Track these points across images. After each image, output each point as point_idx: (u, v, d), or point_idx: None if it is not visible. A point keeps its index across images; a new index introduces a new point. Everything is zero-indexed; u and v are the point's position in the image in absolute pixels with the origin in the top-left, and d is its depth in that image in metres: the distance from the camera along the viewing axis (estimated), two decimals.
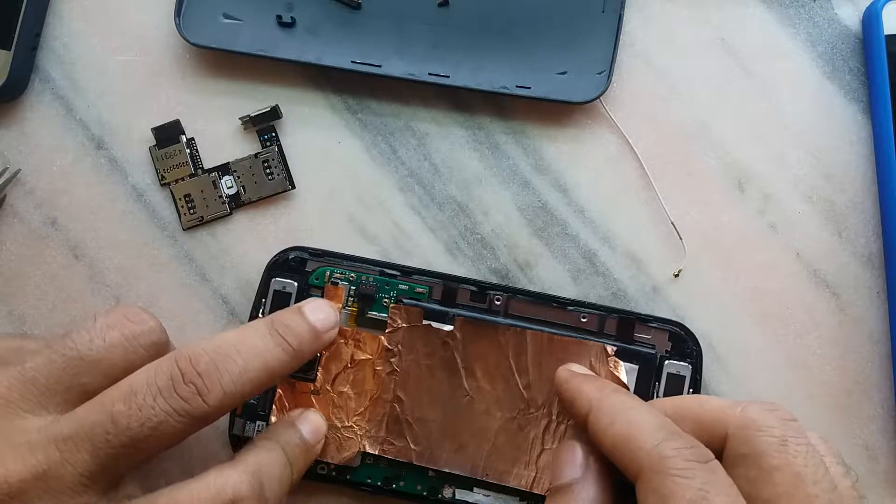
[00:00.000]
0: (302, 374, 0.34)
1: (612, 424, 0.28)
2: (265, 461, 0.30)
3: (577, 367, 0.33)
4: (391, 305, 0.34)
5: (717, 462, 0.27)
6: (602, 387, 0.31)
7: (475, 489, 0.34)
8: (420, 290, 0.35)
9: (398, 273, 0.35)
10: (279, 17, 0.37)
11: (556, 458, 0.31)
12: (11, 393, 0.28)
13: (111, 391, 0.28)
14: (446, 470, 0.34)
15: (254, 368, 0.29)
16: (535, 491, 0.33)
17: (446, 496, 0.34)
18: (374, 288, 0.35)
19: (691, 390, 0.34)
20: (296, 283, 0.35)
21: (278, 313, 0.32)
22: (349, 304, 0.35)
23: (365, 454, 0.34)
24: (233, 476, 0.28)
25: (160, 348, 0.30)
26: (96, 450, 0.27)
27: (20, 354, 0.30)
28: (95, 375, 0.28)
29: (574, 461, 0.29)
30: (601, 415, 0.29)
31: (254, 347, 0.30)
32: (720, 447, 0.27)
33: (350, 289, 0.35)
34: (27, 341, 0.32)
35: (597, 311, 0.35)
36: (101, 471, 0.27)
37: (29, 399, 0.28)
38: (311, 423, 0.33)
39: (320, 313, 0.32)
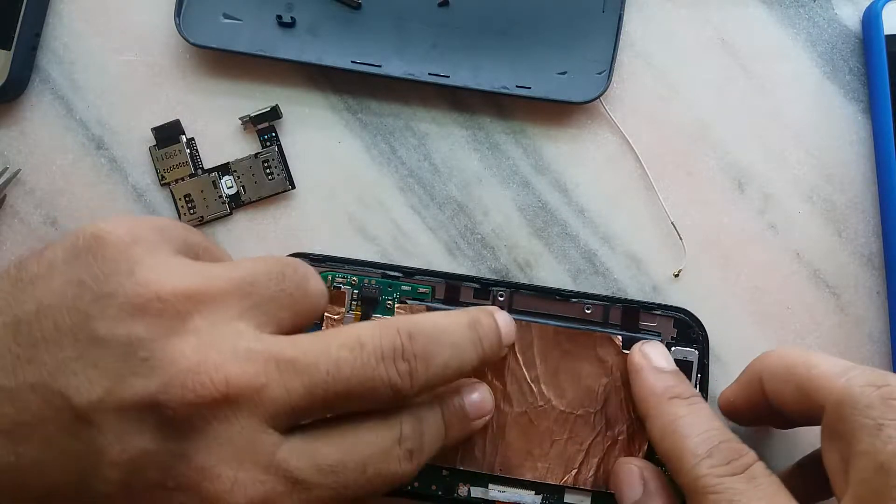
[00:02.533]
0: None
1: (663, 440, 0.29)
2: (425, 413, 0.29)
3: (653, 352, 0.32)
4: (396, 305, 0.34)
5: (757, 467, 0.27)
6: (661, 392, 0.31)
7: (490, 485, 0.34)
8: (423, 290, 0.35)
9: (400, 274, 0.35)
10: (279, 17, 0.37)
11: (614, 480, 0.32)
12: (229, 296, 0.26)
13: (334, 335, 0.26)
14: (460, 468, 0.34)
15: (452, 367, 0.28)
16: (549, 481, 0.33)
17: (461, 494, 0.34)
18: (376, 291, 0.35)
19: (699, 375, 0.34)
20: None
21: (475, 311, 0.31)
22: (352, 308, 0.35)
23: None
24: (394, 431, 0.27)
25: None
26: (313, 386, 0.25)
27: (211, 254, 0.29)
28: (288, 313, 0.27)
29: (632, 482, 0.31)
30: (654, 428, 0.30)
31: (457, 345, 0.28)
32: (821, 415, 0.27)
33: (352, 293, 0.35)
34: (213, 246, 0.30)
35: (601, 302, 0.35)
36: (302, 409, 0.25)
37: (239, 306, 0.26)
38: (476, 395, 0.32)
39: (507, 326, 0.32)
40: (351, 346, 0.26)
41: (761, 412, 0.31)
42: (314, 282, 0.28)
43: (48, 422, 0.24)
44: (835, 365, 0.27)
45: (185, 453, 0.24)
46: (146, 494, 0.24)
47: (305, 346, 0.26)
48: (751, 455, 0.27)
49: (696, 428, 0.29)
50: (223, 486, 0.24)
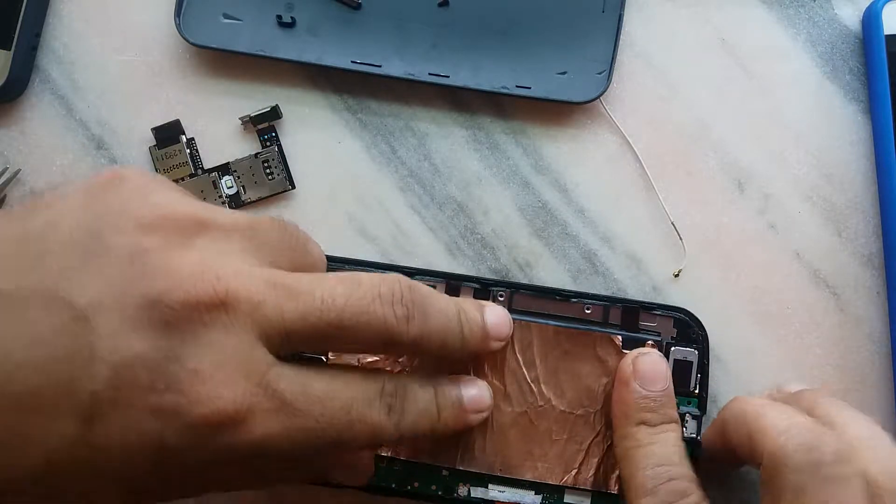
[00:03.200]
0: None
1: (620, 461, 0.31)
2: (413, 385, 0.29)
3: (644, 365, 0.32)
4: None
5: (695, 497, 0.29)
6: (632, 414, 0.31)
7: (490, 485, 0.34)
8: None
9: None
10: (279, 17, 0.37)
11: None
12: (234, 231, 0.27)
13: (333, 274, 0.27)
14: (460, 468, 0.34)
15: (441, 335, 0.29)
16: (549, 481, 0.33)
17: (461, 494, 0.34)
18: None
19: (699, 375, 0.34)
20: None
21: (462, 300, 0.31)
22: None
23: (378, 456, 0.34)
24: (377, 383, 0.28)
25: None
26: (306, 312, 0.26)
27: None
28: (287, 263, 0.28)
29: None
30: (617, 447, 0.32)
31: (445, 314, 0.29)
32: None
33: None
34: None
35: (600, 302, 0.35)
36: (295, 335, 0.26)
37: (242, 243, 0.27)
38: (475, 390, 0.32)
39: (496, 318, 0.32)
40: (348, 282, 0.27)
41: (732, 454, 0.31)
42: (313, 244, 0.30)
43: (41, 323, 0.24)
44: (781, 418, 0.28)
45: (179, 356, 0.24)
46: (134, 395, 0.24)
47: (302, 277, 0.27)
48: (694, 496, 0.29)
49: (650, 460, 0.30)
50: (214, 390, 0.24)
